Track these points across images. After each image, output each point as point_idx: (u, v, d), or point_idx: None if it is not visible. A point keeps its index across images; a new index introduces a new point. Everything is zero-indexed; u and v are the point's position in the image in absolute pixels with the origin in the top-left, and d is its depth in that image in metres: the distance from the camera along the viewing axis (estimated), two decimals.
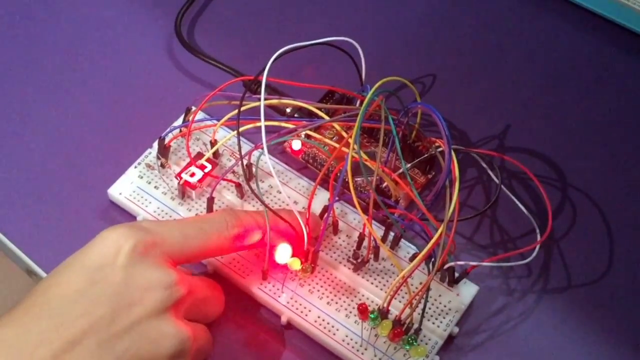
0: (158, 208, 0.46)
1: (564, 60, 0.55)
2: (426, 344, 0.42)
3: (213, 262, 0.44)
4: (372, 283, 0.44)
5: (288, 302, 0.43)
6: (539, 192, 0.48)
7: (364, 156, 0.42)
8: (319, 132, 0.47)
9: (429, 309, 0.43)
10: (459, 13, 0.58)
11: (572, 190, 0.49)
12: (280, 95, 0.49)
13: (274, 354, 0.43)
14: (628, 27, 0.56)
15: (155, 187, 0.47)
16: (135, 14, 0.56)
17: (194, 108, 0.48)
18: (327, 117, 0.45)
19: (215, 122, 0.47)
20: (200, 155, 0.47)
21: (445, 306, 0.43)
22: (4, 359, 0.33)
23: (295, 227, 0.42)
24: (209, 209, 0.45)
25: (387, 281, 0.44)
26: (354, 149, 0.41)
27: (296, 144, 0.48)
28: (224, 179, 0.45)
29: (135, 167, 0.47)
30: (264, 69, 0.42)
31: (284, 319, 0.43)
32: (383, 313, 0.40)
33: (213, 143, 0.47)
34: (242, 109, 0.43)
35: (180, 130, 0.47)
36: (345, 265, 0.44)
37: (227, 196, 0.46)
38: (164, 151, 0.47)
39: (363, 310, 0.40)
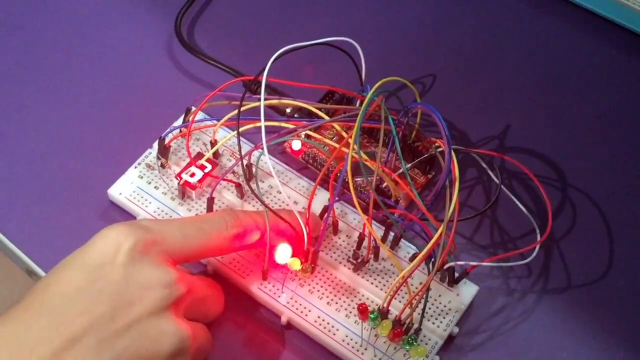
0: (158, 208, 0.46)
1: (564, 60, 0.55)
2: (426, 344, 0.42)
3: (213, 262, 0.44)
4: (372, 283, 0.44)
5: (288, 302, 0.43)
6: (539, 192, 0.48)
7: (364, 156, 0.42)
8: (319, 132, 0.47)
9: (429, 309, 0.43)
10: (459, 13, 0.58)
11: (572, 190, 0.49)
12: (280, 95, 0.50)
13: (274, 354, 0.43)
14: (628, 27, 0.56)
15: (155, 187, 0.47)
16: (135, 14, 0.56)
17: (194, 108, 0.48)
18: (327, 117, 0.45)
19: (215, 122, 0.47)
20: (200, 155, 0.47)
21: (445, 306, 0.43)
22: (4, 357, 0.33)
23: (295, 227, 0.42)
24: (209, 209, 0.45)
25: (387, 281, 0.44)
26: (353, 149, 0.41)
27: (296, 144, 0.48)
28: (224, 179, 0.45)
29: (135, 167, 0.47)
30: (264, 69, 0.42)
31: (284, 319, 0.43)
32: (383, 313, 0.40)
33: (213, 143, 0.47)
34: (242, 109, 0.43)
35: (180, 131, 0.47)
36: (345, 266, 0.44)
37: (227, 196, 0.46)
38: (164, 151, 0.47)
39: (363, 310, 0.40)
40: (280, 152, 0.49)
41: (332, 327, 0.42)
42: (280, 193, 0.47)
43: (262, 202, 0.40)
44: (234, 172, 0.46)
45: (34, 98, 0.51)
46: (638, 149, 0.51)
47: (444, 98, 0.52)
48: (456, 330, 0.43)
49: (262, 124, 0.41)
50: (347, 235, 0.45)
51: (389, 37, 0.56)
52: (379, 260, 0.44)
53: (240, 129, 0.42)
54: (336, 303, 0.43)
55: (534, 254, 0.43)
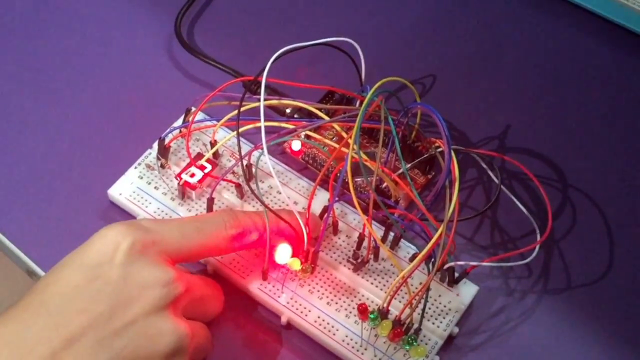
0: (158, 208, 0.46)
1: (564, 60, 0.55)
2: (426, 344, 0.42)
3: (213, 262, 0.44)
4: (372, 283, 0.44)
5: (288, 302, 0.43)
6: (539, 192, 0.48)
7: (364, 156, 0.42)
8: (318, 132, 0.47)
9: (429, 309, 0.43)
10: (458, 13, 0.58)
11: (572, 190, 0.49)
12: (280, 95, 0.50)
13: (274, 354, 0.43)
14: (628, 27, 0.56)
15: (155, 187, 0.47)
16: (135, 14, 0.56)
17: (193, 108, 0.48)
18: (326, 118, 0.45)
19: (215, 122, 0.47)
20: (200, 155, 0.47)
21: (445, 306, 0.43)
22: (3, 357, 0.34)
23: (295, 228, 0.42)
24: (209, 209, 0.45)
25: (387, 281, 0.44)
26: (353, 149, 0.41)
27: (296, 145, 0.48)
28: (224, 180, 0.45)
29: (135, 167, 0.47)
30: (263, 70, 0.42)
31: (283, 319, 0.43)
32: (383, 313, 0.40)
33: (213, 143, 0.47)
34: (242, 109, 0.43)
35: (180, 131, 0.47)
36: (345, 266, 0.44)
37: (227, 197, 0.46)
38: (164, 152, 0.47)
39: (363, 311, 0.40)
40: (280, 153, 0.49)
41: (332, 327, 0.42)
42: (280, 193, 0.47)
43: (262, 203, 0.40)
44: (233, 173, 0.46)
45: (33, 98, 0.51)
46: (638, 149, 0.51)
47: (444, 98, 0.52)
48: (456, 330, 0.43)
49: (262, 124, 0.41)
50: (347, 236, 0.45)
51: (389, 37, 0.56)
52: (379, 260, 0.44)
53: (240, 130, 0.42)
54: (336, 303, 0.43)
55: (534, 254, 0.43)
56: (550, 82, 0.54)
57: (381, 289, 0.43)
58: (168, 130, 0.47)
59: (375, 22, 0.57)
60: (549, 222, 0.44)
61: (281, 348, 0.43)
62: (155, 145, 0.47)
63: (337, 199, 0.43)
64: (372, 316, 0.40)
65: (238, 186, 0.46)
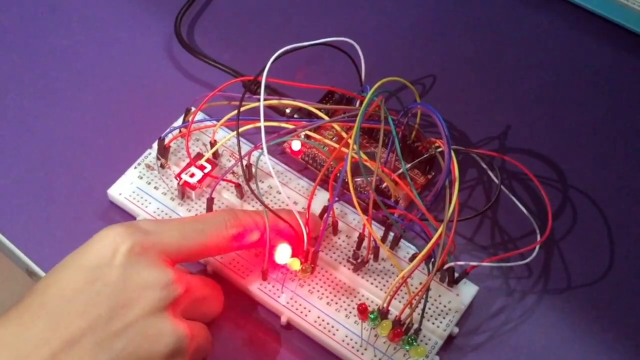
0: (158, 208, 0.46)
1: (563, 60, 0.55)
2: (426, 344, 0.42)
3: (213, 262, 0.44)
4: (371, 283, 0.44)
5: (288, 303, 0.43)
6: (539, 192, 0.48)
7: (364, 156, 0.42)
8: (318, 132, 0.47)
9: (429, 309, 0.43)
10: (458, 13, 0.58)
11: (572, 190, 0.49)
12: (279, 95, 0.50)
13: (274, 354, 0.43)
14: (628, 27, 0.56)
15: (155, 187, 0.47)
16: (135, 14, 0.56)
17: (193, 108, 0.48)
18: (326, 118, 0.45)
19: (214, 122, 0.47)
20: (200, 155, 0.47)
21: (445, 306, 0.43)
22: (3, 359, 0.34)
23: (294, 228, 0.42)
24: (209, 209, 0.45)
25: (387, 281, 0.44)
26: (353, 149, 0.41)
27: (296, 145, 0.48)
28: (224, 180, 0.45)
29: (135, 167, 0.47)
30: (263, 70, 0.42)
31: (283, 319, 0.43)
32: (383, 313, 0.40)
33: (213, 143, 0.47)
34: (242, 109, 0.42)
35: (180, 131, 0.47)
36: (345, 266, 0.44)
37: (226, 197, 0.46)
38: (163, 152, 0.47)
39: (363, 311, 0.40)
40: (280, 153, 0.49)
41: (332, 327, 0.42)
42: (280, 193, 0.47)
43: (262, 203, 0.40)
44: (233, 173, 0.46)
45: (33, 98, 0.51)
46: (638, 149, 0.51)
47: (444, 98, 0.52)
48: (456, 330, 0.43)
49: (262, 124, 0.41)
50: (346, 236, 0.45)
51: (388, 37, 0.56)
52: (379, 260, 0.44)
53: (240, 130, 0.42)
54: (336, 303, 0.43)
55: (534, 254, 0.43)
56: (550, 82, 0.54)
57: (381, 289, 0.43)
58: (168, 130, 0.47)
59: (375, 22, 0.57)
60: (549, 222, 0.44)
61: (281, 348, 0.43)
62: (155, 145, 0.47)
63: (337, 199, 0.43)
64: (372, 316, 0.40)
65: (238, 186, 0.46)
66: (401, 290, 0.42)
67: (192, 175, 0.45)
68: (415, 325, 0.40)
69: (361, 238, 0.44)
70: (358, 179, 0.46)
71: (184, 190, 0.46)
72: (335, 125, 0.45)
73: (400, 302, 0.43)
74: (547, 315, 0.45)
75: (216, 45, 0.54)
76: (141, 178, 0.47)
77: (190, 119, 0.47)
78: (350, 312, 0.43)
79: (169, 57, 0.54)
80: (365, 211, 0.41)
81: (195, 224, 0.40)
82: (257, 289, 0.43)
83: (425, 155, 0.47)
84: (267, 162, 0.41)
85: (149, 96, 0.52)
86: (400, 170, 0.45)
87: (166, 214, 0.46)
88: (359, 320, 0.42)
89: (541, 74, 0.55)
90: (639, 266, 0.47)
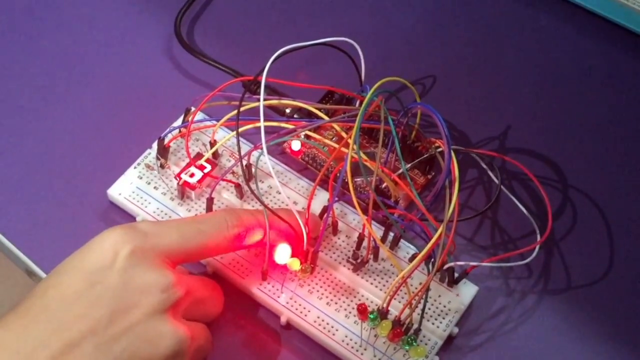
0: (157, 208, 0.46)
1: (563, 60, 0.55)
2: (426, 344, 0.42)
3: (213, 262, 0.44)
4: (371, 283, 0.44)
5: (287, 303, 0.43)
6: (539, 192, 0.48)
7: (364, 156, 0.42)
8: (318, 132, 0.47)
9: (429, 309, 0.43)
10: (458, 13, 0.58)
11: (572, 190, 0.49)
12: (279, 95, 0.49)
13: (273, 354, 0.43)
14: (628, 27, 0.56)
15: (154, 187, 0.47)
16: (135, 14, 0.56)
17: (193, 108, 0.48)
18: (326, 118, 0.45)
19: (214, 122, 0.47)
20: (199, 155, 0.47)
21: (445, 306, 0.43)
22: None
23: (294, 227, 0.42)
24: (209, 209, 0.45)
25: (387, 281, 0.44)
26: (353, 149, 0.41)
27: (296, 145, 0.47)
28: (224, 180, 0.45)
29: (135, 167, 0.47)
30: (263, 70, 0.42)
31: (283, 319, 0.43)
32: (382, 313, 0.40)
33: (212, 143, 0.47)
34: (242, 109, 0.42)
35: (180, 131, 0.47)
36: (344, 266, 0.44)
37: (226, 197, 0.46)
38: (163, 152, 0.47)
39: (362, 311, 0.40)
40: (280, 153, 0.49)
41: (332, 327, 0.42)
42: (279, 193, 0.46)
43: (262, 203, 0.40)
44: (233, 173, 0.46)
45: (33, 98, 0.51)
46: (638, 149, 0.51)
47: (444, 98, 0.52)
48: (456, 330, 0.43)
49: (262, 124, 0.41)
50: (346, 236, 0.45)
51: (388, 37, 0.56)
52: (379, 260, 0.44)
53: (240, 129, 0.42)
54: (336, 303, 0.43)
55: (534, 254, 0.43)
56: (550, 82, 0.54)
57: (381, 289, 0.43)
58: (168, 130, 0.47)
59: (375, 22, 0.57)
60: (549, 223, 0.44)
61: (281, 348, 0.43)
62: (155, 145, 0.47)
63: (336, 199, 0.43)
64: (371, 316, 0.40)
65: (238, 186, 0.46)
66: (401, 291, 0.42)
67: (191, 175, 0.45)
68: (415, 326, 0.40)
69: (361, 238, 0.44)
70: (358, 179, 0.46)
71: (183, 190, 0.46)
72: (335, 125, 0.45)
73: (400, 302, 0.43)
74: (547, 315, 0.44)
75: (216, 45, 0.54)
76: (141, 178, 0.47)
77: (190, 118, 0.47)
78: (350, 312, 0.43)
79: (169, 57, 0.54)
80: (365, 211, 0.41)
81: (195, 224, 0.40)
82: (257, 289, 0.43)
83: (425, 155, 0.47)
84: (267, 162, 0.41)
85: (148, 96, 0.52)
86: (400, 170, 0.45)
87: (166, 214, 0.46)
88: (358, 320, 0.42)
89: (541, 74, 0.55)
90: (639, 266, 0.47)
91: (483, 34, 0.56)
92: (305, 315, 0.43)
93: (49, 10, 0.56)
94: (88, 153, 0.49)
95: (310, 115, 0.46)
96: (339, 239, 0.45)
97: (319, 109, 0.46)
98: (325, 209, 0.45)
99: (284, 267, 0.42)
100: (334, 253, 0.45)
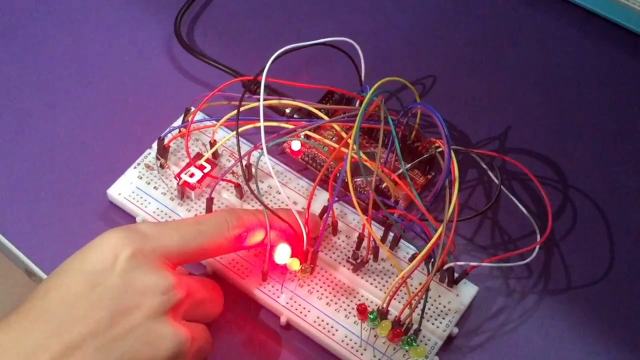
0: (157, 209, 0.46)
1: (564, 60, 0.55)
2: (425, 344, 0.42)
3: (213, 263, 0.44)
4: (371, 283, 0.44)
5: (287, 303, 0.43)
6: (539, 192, 0.48)
7: (364, 157, 0.42)
8: (318, 132, 0.47)
9: (429, 309, 0.43)
10: (458, 13, 0.58)
11: (572, 190, 0.49)
12: (279, 95, 0.49)
13: (273, 354, 0.43)
14: (628, 27, 0.56)
15: (154, 187, 0.47)
16: (135, 14, 0.56)
17: (193, 108, 0.48)
18: (326, 118, 0.45)
19: (214, 122, 0.47)
20: (199, 155, 0.47)
21: (444, 307, 0.43)
22: None
23: (294, 228, 0.42)
24: (208, 209, 0.45)
25: (387, 282, 0.44)
26: (353, 149, 0.41)
27: (296, 145, 0.47)
28: (224, 180, 0.45)
29: (135, 167, 0.47)
30: (263, 70, 0.42)
31: (283, 320, 0.43)
32: (382, 313, 0.40)
33: (212, 143, 0.47)
34: (242, 109, 0.42)
35: (180, 131, 0.47)
36: (344, 266, 0.44)
37: (226, 197, 0.46)
38: (163, 152, 0.47)
39: (362, 311, 0.40)
40: (280, 153, 0.49)
41: (332, 327, 0.42)
42: (279, 193, 0.46)
43: (262, 203, 0.40)
44: (233, 173, 0.46)
45: (33, 98, 0.51)
46: (638, 149, 0.51)
47: (444, 98, 0.52)
48: (456, 330, 0.43)
49: (262, 124, 0.41)
50: (346, 236, 0.45)
51: (388, 37, 0.56)
52: (379, 260, 0.44)
53: (240, 129, 0.42)
54: (335, 303, 0.43)
55: (534, 254, 0.42)
56: (550, 82, 0.54)
57: (380, 290, 0.43)
58: (167, 130, 0.47)
59: (375, 22, 0.57)
60: (549, 223, 0.44)
61: (281, 348, 0.43)
62: (155, 145, 0.47)
63: (336, 199, 0.43)
64: (371, 316, 0.40)
65: (237, 186, 0.46)
66: (401, 291, 0.42)
67: (191, 175, 0.45)
68: (415, 326, 0.40)
69: (361, 238, 0.44)
70: (358, 179, 0.46)
71: (183, 190, 0.46)
72: (335, 125, 0.45)
73: (399, 302, 0.43)
74: (547, 315, 0.44)
75: (216, 45, 0.54)
76: (141, 178, 0.47)
77: (189, 118, 0.47)
78: (349, 313, 0.43)
79: (169, 57, 0.54)
80: (365, 211, 0.41)
81: (195, 225, 0.40)
82: (257, 289, 0.43)
83: (425, 155, 0.47)
84: (267, 162, 0.41)
85: (148, 96, 0.52)
86: (400, 171, 0.45)
87: (166, 214, 0.46)
88: (358, 320, 0.42)
89: (541, 74, 0.55)
90: (639, 266, 0.47)
91: (483, 34, 0.56)
92: (305, 316, 0.43)
93: (49, 11, 0.56)
94: (88, 153, 0.49)
95: (310, 115, 0.46)
96: (338, 239, 0.45)
97: (319, 109, 0.46)
98: (325, 209, 0.45)
99: (284, 268, 0.42)
100: (333, 253, 0.45)
